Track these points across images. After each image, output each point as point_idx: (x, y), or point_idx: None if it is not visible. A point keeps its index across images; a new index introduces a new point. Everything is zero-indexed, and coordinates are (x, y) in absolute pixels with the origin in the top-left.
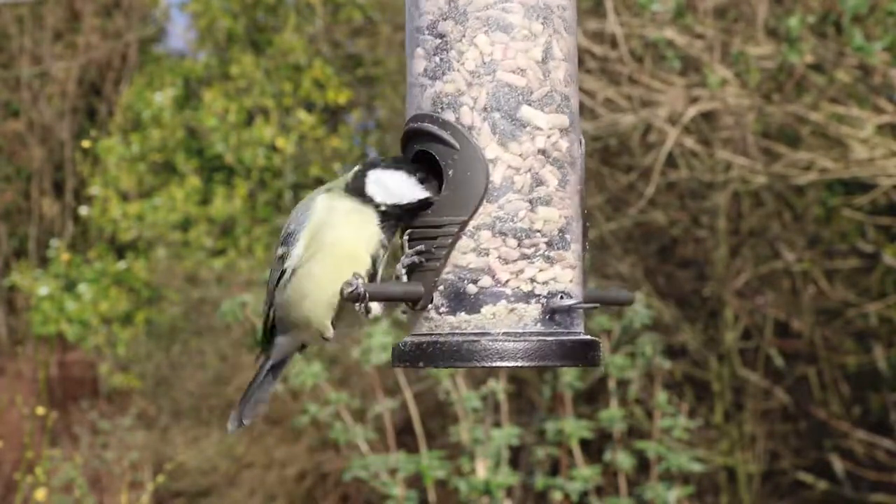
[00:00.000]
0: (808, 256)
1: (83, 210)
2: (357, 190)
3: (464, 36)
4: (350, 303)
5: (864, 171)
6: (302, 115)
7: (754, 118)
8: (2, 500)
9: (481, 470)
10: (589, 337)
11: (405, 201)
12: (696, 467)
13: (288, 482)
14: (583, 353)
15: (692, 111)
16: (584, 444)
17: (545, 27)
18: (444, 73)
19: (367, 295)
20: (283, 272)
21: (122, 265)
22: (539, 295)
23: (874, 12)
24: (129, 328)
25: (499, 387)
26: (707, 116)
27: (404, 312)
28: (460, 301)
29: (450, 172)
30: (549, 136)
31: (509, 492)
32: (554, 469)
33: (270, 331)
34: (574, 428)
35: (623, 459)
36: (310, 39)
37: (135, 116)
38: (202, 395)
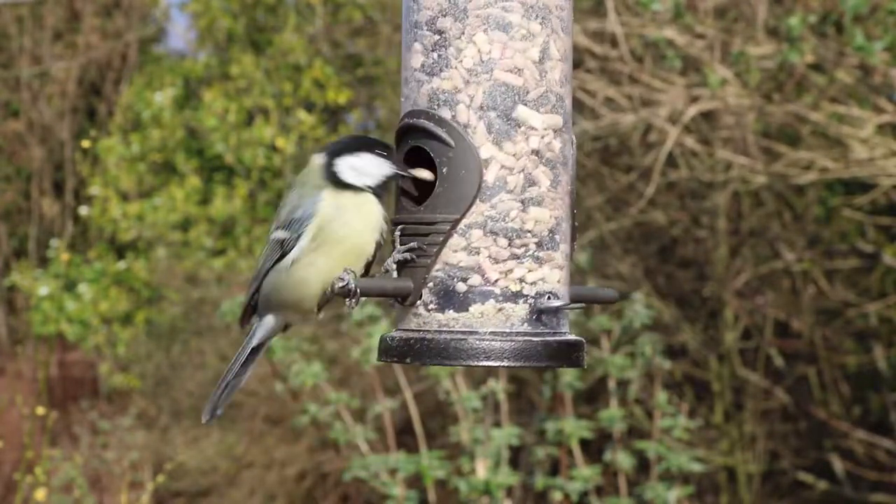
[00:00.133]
0: (808, 256)
1: (83, 210)
2: (338, 181)
3: (463, 33)
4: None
5: (864, 171)
6: (302, 115)
7: (754, 118)
8: (2, 500)
9: (481, 470)
10: (574, 337)
11: (380, 181)
12: (696, 467)
13: (288, 482)
14: (567, 354)
15: (692, 111)
16: (584, 444)
17: (543, 27)
18: (441, 70)
19: (358, 291)
20: (282, 256)
21: (122, 265)
22: (527, 295)
23: (875, 12)
24: (129, 328)
25: (499, 387)
26: (707, 116)
27: (393, 306)
28: (449, 299)
29: (444, 170)
30: (543, 137)
31: (509, 492)
32: (554, 469)
33: (253, 308)
34: (574, 428)
35: (623, 459)
36: (310, 39)
37: (135, 116)
38: (202, 395)
